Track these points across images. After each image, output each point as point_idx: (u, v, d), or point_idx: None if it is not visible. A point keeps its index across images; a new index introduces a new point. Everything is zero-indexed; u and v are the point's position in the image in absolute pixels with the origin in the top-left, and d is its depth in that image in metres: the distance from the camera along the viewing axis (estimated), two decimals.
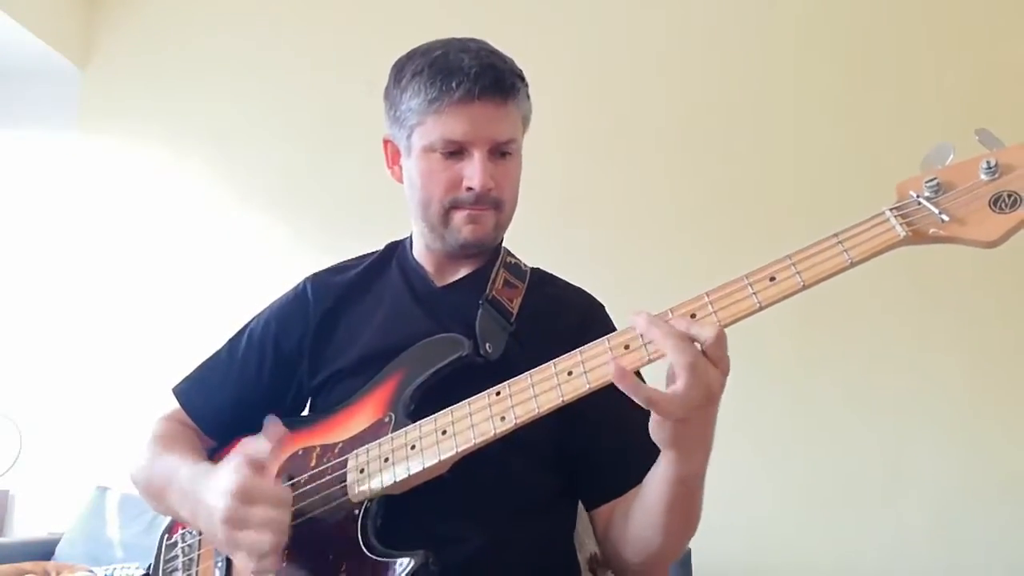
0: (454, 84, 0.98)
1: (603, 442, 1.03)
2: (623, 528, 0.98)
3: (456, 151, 1.02)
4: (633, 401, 0.96)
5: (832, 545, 2.50)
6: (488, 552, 0.96)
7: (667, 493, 0.89)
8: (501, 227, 1.09)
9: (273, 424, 0.98)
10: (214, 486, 0.91)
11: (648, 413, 1.09)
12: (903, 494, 2.49)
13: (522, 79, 1.05)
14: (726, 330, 0.79)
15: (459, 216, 1.04)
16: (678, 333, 0.77)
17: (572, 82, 2.81)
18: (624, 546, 0.99)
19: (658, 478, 0.89)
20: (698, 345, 0.77)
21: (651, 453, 0.96)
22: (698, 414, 0.79)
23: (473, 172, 1.01)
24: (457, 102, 0.99)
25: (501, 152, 1.04)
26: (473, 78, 0.98)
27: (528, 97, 1.07)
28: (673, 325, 0.78)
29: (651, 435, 0.83)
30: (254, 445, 0.95)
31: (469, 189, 1.02)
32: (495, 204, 1.05)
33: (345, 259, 1.22)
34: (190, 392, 1.15)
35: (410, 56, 1.06)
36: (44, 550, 2.53)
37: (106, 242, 3.07)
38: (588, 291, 1.17)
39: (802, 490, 2.55)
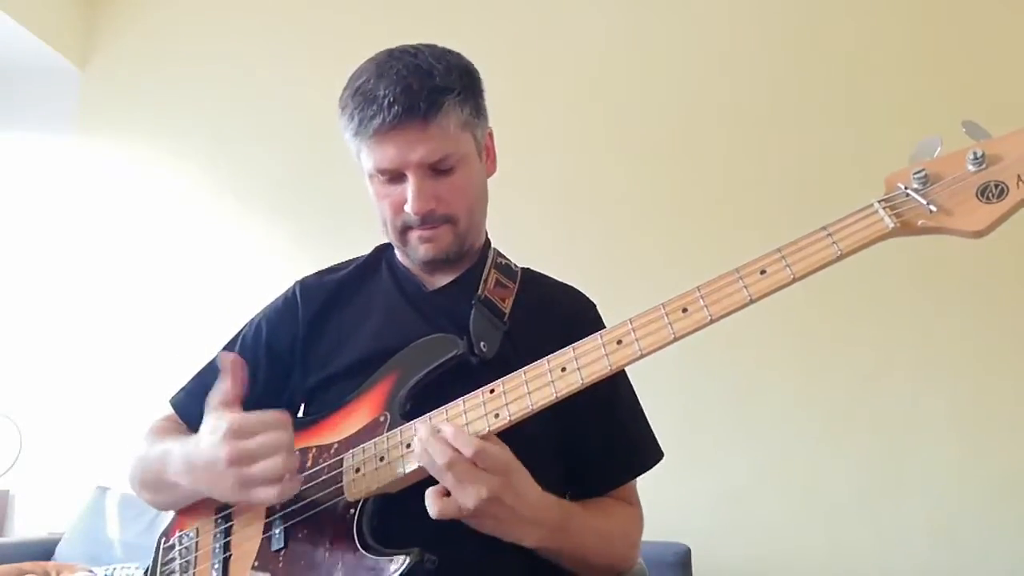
0: (370, 115, 0.99)
1: (592, 440, 1.04)
2: None
3: (396, 176, 1.02)
4: (624, 399, 0.98)
5: (833, 546, 2.49)
6: (483, 550, 0.96)
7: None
8: (462, 237, 1.08)
9: (223, 355, 0.98)
10: (206, 443, 0.91)
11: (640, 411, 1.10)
12: (904, 495, 2.49)
13: (449, 89, 1.00)
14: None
15: (413, 236, 1.06)
16: (433, 441, 0.85)
17: (570, 81, 2.81)
18: None
19: None
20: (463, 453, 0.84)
21: (639, 451, 0.98)
22: (479, 516, 0.86)
23: (410, 197, 1.01)
24: (377, 133, 0.99)
25: (437, 170, 1.02)
26: (386, 108, 0.97)
27: (465, 100, 1.02)
28: (438, 437, 0.86)
29: None
30: (214, 390, 0.96)
31: (414, 213, 1.03)
32: (446, 220, 1.05)
33: (334, 263, 1.22)
34: (186, 402, 1.15)
35: (347, 83, 1.06)
36: (44, 550, 2.53)
37: (106, 242, 3.07)
38: (579, 289, 1.17)
39: (803, 491, 2.55)
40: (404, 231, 1.06)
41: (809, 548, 2.50)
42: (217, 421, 0.91)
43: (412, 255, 1.08)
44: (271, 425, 0.89)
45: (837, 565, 2.48)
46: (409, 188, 1.01)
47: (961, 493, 2.46)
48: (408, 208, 1.01)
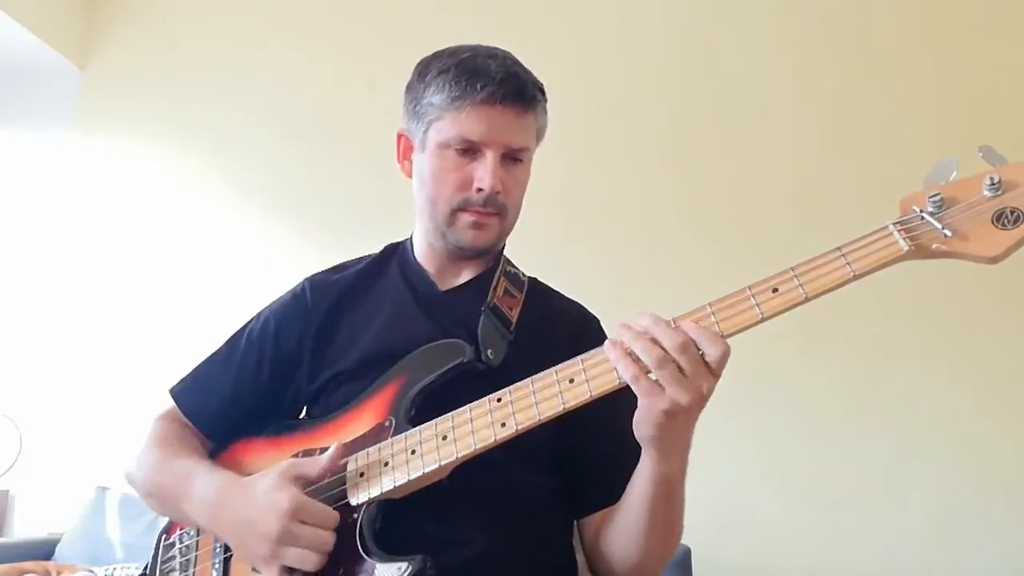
0: (479, 85, 1.01)
1: (596, 451, 1.04)
2: (607, 538, 1.00)
3: (470, 151, 1.03)
4: (627, 412, 0.98)
5: (834, 547, 2.50)
6: (487, 556, 0.96)
7: (647, 494, 0.91)
8: (503, 234, 1.10)
9: (336, 449, 0.97)
10: (261, 502, 0.91)
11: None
12: (905, 496, 2.49)
13: (542, 92, 1.07)
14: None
15: (464, 218, 1.06)
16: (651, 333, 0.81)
17: (572, 86, 2.80)
18: (607, 557, 1.01)
19: (638, 479, 0.93)
20: (701, 352, 0.80)
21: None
22: (685, 413, 0.81)
23: (484, 173, 1.02)
24: (479, 103, 1.01)
25: (513, 158, 1.06)
26: (498, 83, 1.01)
27: (545, 112, 1.09)
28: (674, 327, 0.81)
29: (635, 428, 0.85)
30: (303, 462, 0.96)
31: (479, 190, 1.03)
32: (500, 210, 1.06)
33: (343, 261, 1.22)
34: (187, 393, 1.15)
35: (437, 55, 1.08)
36: (44, 550, 2.53)
37: (106, 242, 3.06)
38: (584, 304, 1.18)
39: (803, 491, 2.55)
40: (457, 211, 1.06)
41: (809, 548, 2.51)
42: (285, 493, 0.91)
43: (452, 238, 1.07)
44: (325, 522, 0.90)
45: (837, 565, 2.49)
46: (487, 165, 1.03)
47: (961, 493, 2.47)
48: (483, 184, 1.03)
